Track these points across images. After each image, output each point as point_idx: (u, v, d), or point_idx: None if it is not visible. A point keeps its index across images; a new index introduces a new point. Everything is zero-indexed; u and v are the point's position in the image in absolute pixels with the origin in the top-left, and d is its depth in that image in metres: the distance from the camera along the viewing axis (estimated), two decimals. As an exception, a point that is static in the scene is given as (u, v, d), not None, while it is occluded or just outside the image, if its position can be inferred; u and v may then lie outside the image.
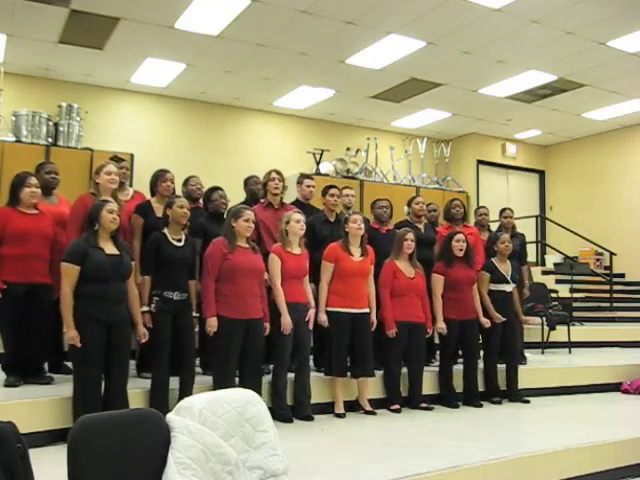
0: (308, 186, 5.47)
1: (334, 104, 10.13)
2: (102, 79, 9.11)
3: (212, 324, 4.19)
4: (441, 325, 5.22)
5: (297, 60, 8.26)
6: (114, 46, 7.85)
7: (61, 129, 8.45)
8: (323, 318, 4.74)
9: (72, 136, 8.47)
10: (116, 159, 5.07)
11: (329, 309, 4.76)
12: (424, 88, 9.29)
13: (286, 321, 4.44)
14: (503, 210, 6.64)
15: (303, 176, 5.67)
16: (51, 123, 8.38)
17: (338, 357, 4.73)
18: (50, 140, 8.27)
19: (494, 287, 5.56)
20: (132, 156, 7.86)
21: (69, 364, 4.66)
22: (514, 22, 7.03)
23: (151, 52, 8.11)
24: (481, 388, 5.50)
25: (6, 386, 4.17)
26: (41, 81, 8.91)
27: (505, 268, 5.60)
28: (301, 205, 5.36)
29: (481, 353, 5.63)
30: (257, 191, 5.41)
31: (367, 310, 4.86)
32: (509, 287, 5.60)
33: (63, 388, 4.15)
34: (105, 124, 9.20)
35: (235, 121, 10.34)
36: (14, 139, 7.97)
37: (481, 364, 5.55)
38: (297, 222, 4.59)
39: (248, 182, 5.58)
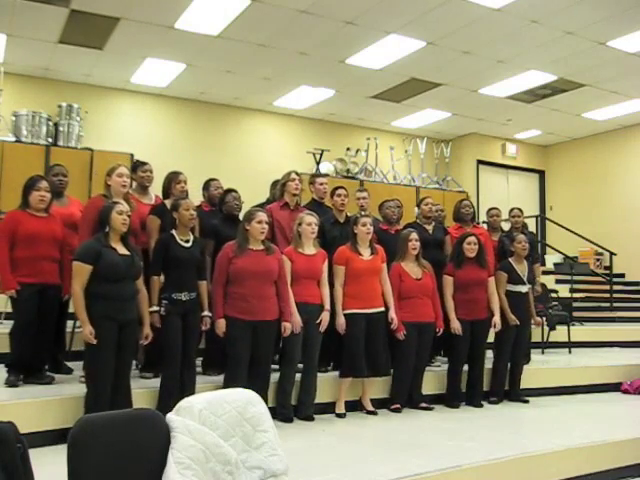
0: (321, 184, 5.44)
1: (334, 104, 10.13)
2: (102, 79, 9.11)
3: (220, 326, 4.25)
4: (454, 325, 5.19)
5: (297, 60, 8.26)
6: (114, 46, 7.85)
7: (61, 129, 8.44)
8: (341, 321, 4.72)
9: (72, 136, 8.46)
10: (139, 163, 5.08)
11: (345, 312, 4.74)
12: (424, 88, 9.29)
13: (296, 320, 4.45)
14: (512, 210, 6.65)
15: (314, 176, 5.65)
16: (51, 123, 8.38)
17: (356, 359, 4.70)
18: (50, 140, 8.26)
19: (511, 288, 5.50)
20: (132, 156, 7.85)
21: (69, 364, 4.68)
22: (514, 22, 7.03)
23: (151, 52, 8.11)
24: (485, 387, 5.48)
25: (6, 386, 4.17)
26: (41, 81, 8.91)
27: (522, 269, 5.56)
28: (317, 205, 5.35)
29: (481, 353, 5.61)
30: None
31: (382, 309, 4.85)
32: (525, 288, 5.55)
33: (63, 388, 4.17)
34: (105, 124, 9.20)
35: (235, 121, 10.34)
36: (14, 139, 7.95)
37: (489, 364, 5.52)
38: (309, 225, 4.59)
39: (276, 185, 5.49)
